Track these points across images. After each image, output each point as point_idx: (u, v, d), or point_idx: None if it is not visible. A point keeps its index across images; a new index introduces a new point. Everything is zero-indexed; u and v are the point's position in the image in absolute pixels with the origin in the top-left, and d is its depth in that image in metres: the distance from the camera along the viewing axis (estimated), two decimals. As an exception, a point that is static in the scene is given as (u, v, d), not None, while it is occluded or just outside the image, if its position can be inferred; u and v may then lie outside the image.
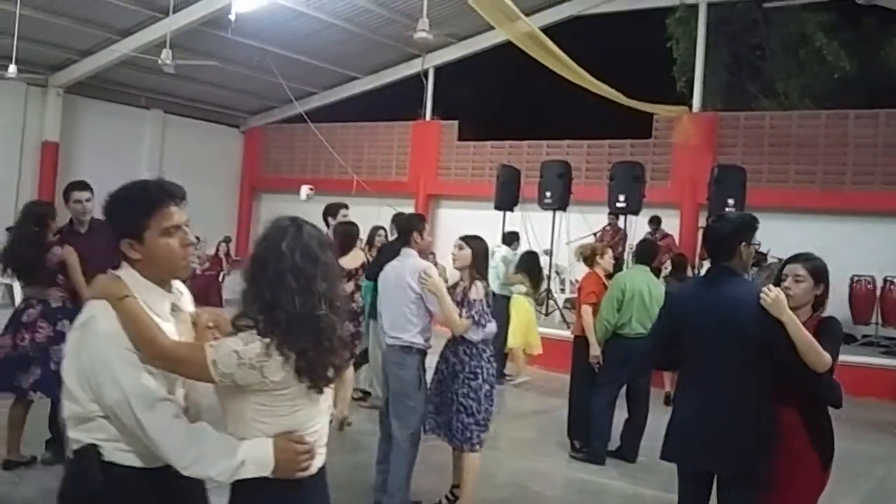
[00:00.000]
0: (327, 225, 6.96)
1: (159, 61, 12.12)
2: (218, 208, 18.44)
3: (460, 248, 4.85)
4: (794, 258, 3.55)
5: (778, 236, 11.85)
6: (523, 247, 11.22)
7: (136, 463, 2.11)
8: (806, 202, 12.93)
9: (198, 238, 13.42)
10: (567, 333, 9.17)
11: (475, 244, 4.86)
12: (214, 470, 2.06)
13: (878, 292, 11.69)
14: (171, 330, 2.16)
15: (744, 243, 3.49)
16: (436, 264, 6.98)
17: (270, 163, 19.36)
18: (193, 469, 2.06)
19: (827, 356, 3.22)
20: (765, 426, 3.39)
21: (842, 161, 12.88)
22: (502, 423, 8.15)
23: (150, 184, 2.20)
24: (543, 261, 11.65)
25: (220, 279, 15.11)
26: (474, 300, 4.68)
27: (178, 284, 2.30)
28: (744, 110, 14.31)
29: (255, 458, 2.08)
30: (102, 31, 14.10)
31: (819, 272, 3.46)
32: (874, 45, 13.36)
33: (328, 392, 2.23)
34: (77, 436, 2.12)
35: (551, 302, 12.39)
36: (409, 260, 4.89)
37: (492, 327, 4.75)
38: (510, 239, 10.55)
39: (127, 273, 2.15)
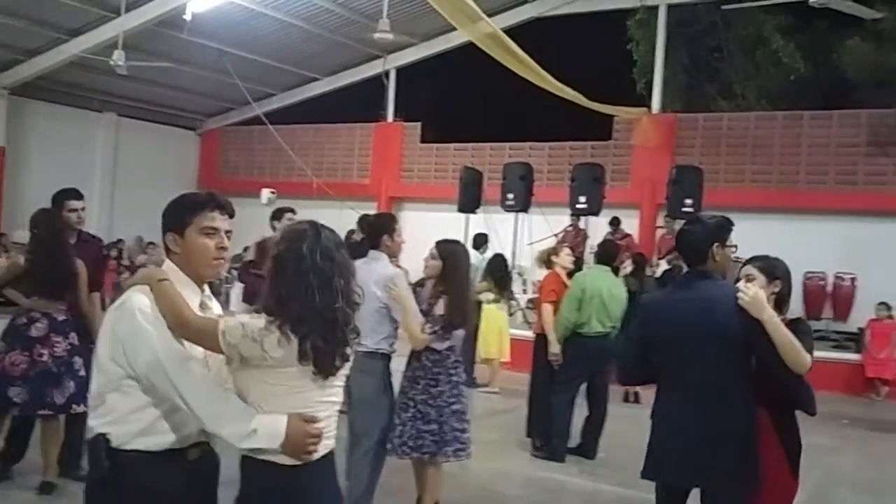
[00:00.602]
0: (273, 229, 6.72)
1: (111, 62, 11.90)
2: (175, 213, 18.18)
3: (433, 257, 4.65)
4: (749, 260, 3.50)
5: (735, 235, 12.03)
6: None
7: (141, 446, 2.28)
8: (761, 201, 13.14)
9: (153, 243, 13.32)
10: (530, 334, 9.18)
11: (448, 252, 4.64)
12: (226, 430, 2.25)
13: (830, 288, 11.96)
14: None
15: (716, 245, 3.36)
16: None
17: (228, 166, 19.07)
18: (209, 424, 2.27)
19: (807, 356, 3.13)
20: (749, 431, 3.27)
21: (796, 161, 13.14)
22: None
23: (204, 193, 2.52)
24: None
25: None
26: (438, 316, 4.51)
27: (208, 291, 2.53)
28: (702, 111, 14.51)
29: (268, 429, 2.23)
30: (50, 31, 13.79)
31: (772, 270, 3.39)
32: (827, 47, 13.62)
33: (338, 385, 2.38)
34: (91, 423, 2.34)
35: (513, 303, 12.41)
36: (375, 264, 4.63)
37: (458, 334, 4.61)
38: (479, 242, 10.47)
39: (168, 266, 2.43)
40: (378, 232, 4.81)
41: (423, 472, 4.76)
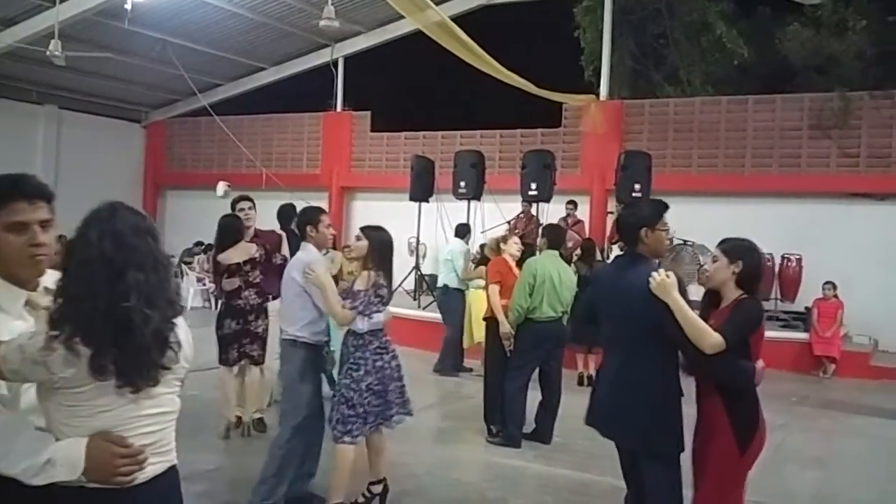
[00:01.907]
0: None
1: (48, 53, 11.53)
2: (121, 207, 17.81)
3: (358, 238, 4.82)
4: (718, 243, 3.68)
5: (682, 219, 12.20)
6: (435, 237, 11.26)
7: None
8: (708, 185, 13.36)
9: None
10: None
11: (373, 235, 4.76)
12: (18, 468, 1.90)
13: (777, 269, 12.19)
14: (22, 327, 2.04)
15: (645, 228, 3.63)
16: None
17: (175, 158, 18.75)
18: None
19: (714, 338, 3.28)
20: (666, 404, 3.53)
21: (741, 145, 13.36)
22: (420, 411, 8.15)
23: (7, 178, 2.10)
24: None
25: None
26: (358, 290, 4.62)
27: (47, 281, 2.15)
28: (649, 98, 14.65)
29: (65, 457, 1.91)
30: (-19, 20, 13.28)
31: (734, 250, 3.54)
32: (769, 33, 13.84)
33: (165, 392, 2.04)
34: None
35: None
36: (301, 254, 4.91)
37: (378, 317, 4.65)
38: (462, 232, 10.49)
39: None
40: (302, 223, 4.97)
41: (376, 452, 4.85)
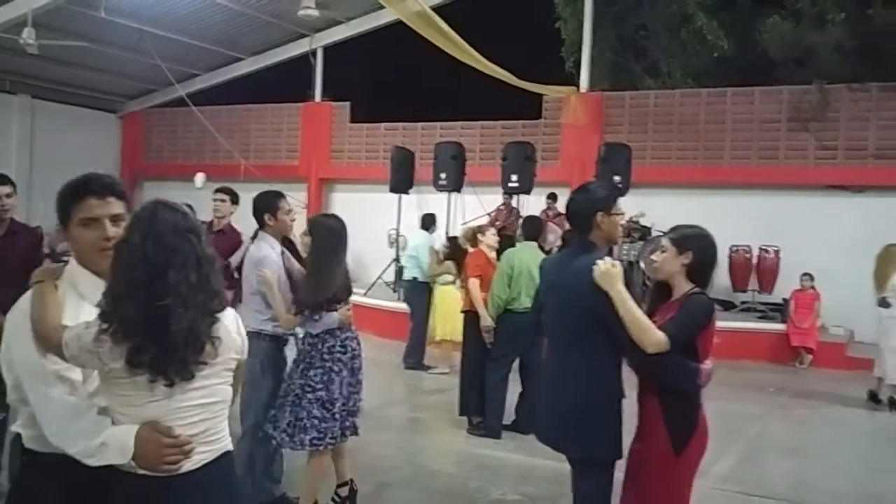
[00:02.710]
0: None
1: (21, 41, 11.34)
2: (97, 199, 17.61)
3: (304, 233, 4.52)
4: (668, 231, 3.48)
5: (662, 211, 12.29)
6: (415, 228, 11.18)
7: (47, 449, 2.14)
8: (688, 177, 13.41)
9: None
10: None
11: (317, 228, 4.43)
12: (74, 448, 2.07)
13: (755, 261, 12.28)
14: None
15: (600, 213, 3.36)
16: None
17: (152, 149, 18.54)
18: (56, 441, 2.10)
19: (657, 337, 3.07)
20: (603, 408, 3.31)
21: (720, 137, 13.42)
22: (398, 403, 8.14)
23: (80, 177, 2.30)
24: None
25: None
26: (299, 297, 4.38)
27: None
28: (629, 90, 14.67)
29: (117, 442, 2.04)
30: (-50, 7, 13.01)
31: (683, 241, 3.28)
32: (749, 25, 13.88)
33: (204, 385, 2.12)
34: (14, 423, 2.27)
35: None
36: (256, 245, 4.58)
37: (332, 317, 4.33)
38: (427, 223, 10.24)
39: (71, 259, 2.29)
40: (259, 210, 4.57)
41: (339, 454, 4.57)
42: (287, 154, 16.97)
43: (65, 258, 2.45)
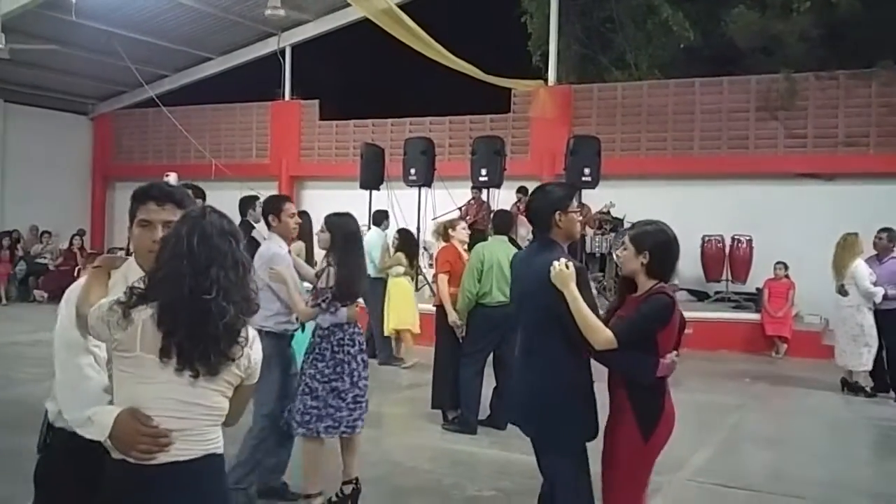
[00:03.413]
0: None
1: (-10, 46, 11.24)
2: (69, 200, 17.57)
3: (322, 230, 4.71)
4: (630, 227, 3.61)
5: (633, 202, 12.36)
6: (392, 225, 11.12)
7: (69, 427, 2.31)
8: (658, 168, 13.46)
9: (48, 233, 12.86)
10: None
11: (336, 224, 4.66)
12: (69, 414, 2.30)
13: (727, 251, 12.33)
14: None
15: (558, 212, 3.49)
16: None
17: (123, 150, 18.41)
18: (60, 405, 2.35)
19: (604, 335, 3.21)
20: (570, 394, 3.41)
21: (690, 128, 13.47)
22: (373, 400, 8.06)
23: (147, 183, 2.54)
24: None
25: (75, 274, 14.24)
26: (322, 288, 4.56)
27: None
28: (597, 82, 14.68)
29: (100, 419, 2.17)
30: (-81, 13, 12.87)
31: (640, 239, 3.36)
32: (715, 15, 13.92)
33: (215, 388, 2.21)
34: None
35: (421, 277, 12.37)
36: (265, 245, 4.80)
37: (343, 312, 4.56)
38: (379, 219, 10.36)
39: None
40: (264, 213, 4.88)
41: (348, 449, 4.73)
42: (257, 153, 16.87)
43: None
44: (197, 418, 2.20)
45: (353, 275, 4.58)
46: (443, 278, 6.75)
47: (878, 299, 8.15)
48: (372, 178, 12.62)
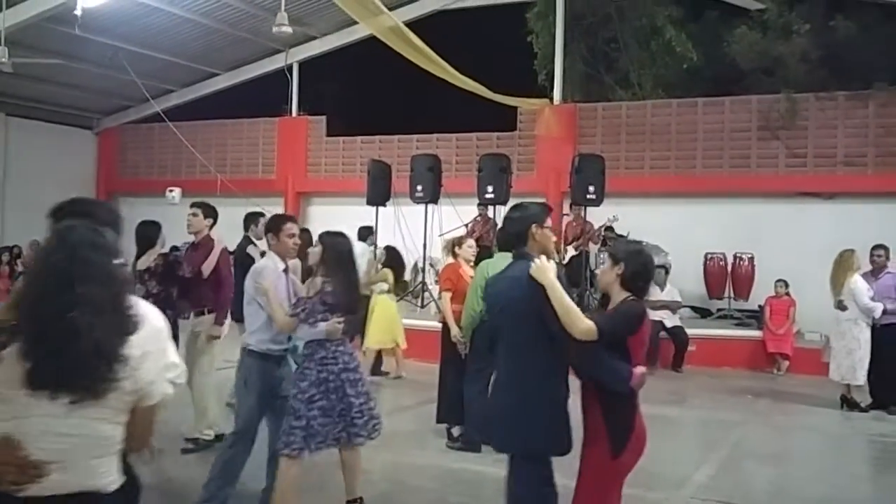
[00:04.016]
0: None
1: (-6, 59, 11.31)
2: (73, 215, 17.46)
3: (314, 244, 4.79)
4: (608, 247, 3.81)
5: (637, 220, 12.49)
6: (394, 241, 11.24)
7: None
8: (661, 187, 13.58)
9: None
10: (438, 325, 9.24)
11: (329, 242, 4.70)
12: None
13: (730, 268, 12.42)
14: None
15: (534, 226, 3.67)
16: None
17: (128, 165, 18.48)
18: None
19: (586, 324, 3.28)
20: (546, 407, 3.49)
21: (692, 147, 13.60)
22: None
23: (72, 198, 2.53)
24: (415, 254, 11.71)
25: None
26: (302, 297, 4.59)
27: None
28: (601, 101, 14.82)
29: None
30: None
31: (617, 253, 3.56)
32: (717, 36, 14.10)
33: (91, 419, 2.05)
34: None
35: (426, 294, 12.47)
36: (261, 261, 4.90)
37: (320, 328, 4.50)
38: (364, 234, 10.41)
39: None
40: (266, 231, 4.97)
41: (350, 464, 4.74)
42: (264, 168, 16.97)
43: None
44: (75, 449, 2.05)
45: (342, 286, 4.55)
46: (445, 296, 6.81)
47: (878, 314, 8.28)
48: (378, 195, 12.73)
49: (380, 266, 9.79)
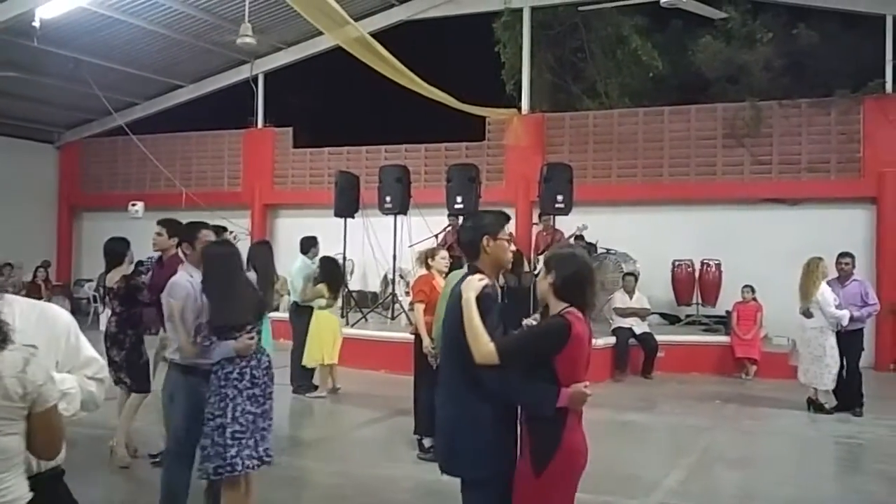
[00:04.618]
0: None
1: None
2: (34, 231, 17.19)
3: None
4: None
5: (605, 228, 12.56)
6: (364, 252, 11.16)
7: None
8: (629, 195, 13.67)
9: (10, 265, 12.54)
10: (406, 336, 9.14)
11: (207, 252, 4.48)
12: None
13: (697, 275, 12.52)
14: None
15: (486, 237, 3.40)
16: None
17: (91, 179, 18.21)
18: None
19: (486, 348, 3.08)
20: (474, 423, 3.24)
21: (659, 155, 13.71)
22: (348, 431, 8.06)
23: None
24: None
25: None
26: (201, 324, 4.36)
27: None
28: (569, 111, 14.89)
29: None
30: None
31: (550, 262, 3.34)
32: (682, 45, 14.26)
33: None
34: None
35: (397, 306, 12.40)
36: (178, 274, 4.63)
37: (223, 348, 4.27)
38: (306, 247, 9.88)
39: None
40: (179, 243, 4.74)
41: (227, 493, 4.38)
42: (230, 181, 16.82)
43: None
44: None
45: (221, 306, 4.28)
46: (418, 307, 6.78)
47: (845, 322, 8.41)
48: (347, 206, 12.63)
49: (312, 283, 9.26)
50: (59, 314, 2.23)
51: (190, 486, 4.63)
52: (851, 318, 8.43)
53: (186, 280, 4.53)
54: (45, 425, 2.09)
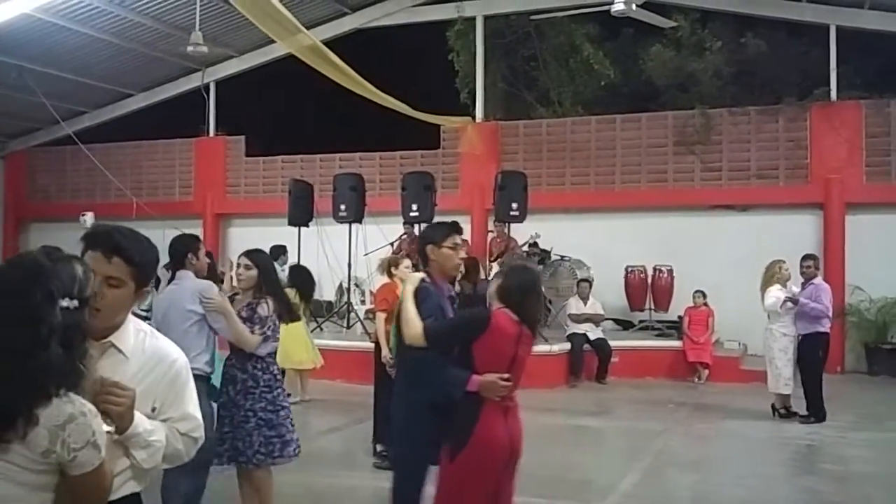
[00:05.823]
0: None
1: None
2: (-21, 242, 16.71)
3: (247, 267, 4.73)
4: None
5: (559, 235, 12.67)
6: (318, 261, 11.07)
7: None
8: (582, 202, 13.81)
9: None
10: (369, 345, 9.09)
11: (261, 261, 4.81)
12: None
13: (650, 280, 12.67)
14: None
15: (431, 246, 3.80)
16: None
17: (38, 190, 17.77)
18: None
19: (416, 329, 3.40)
20: (403, 409, 3.69)
21: (611, 163, 13.88)
22: (305, 441, 7.96)
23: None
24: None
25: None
26: (265, 317, 4.62)
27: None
28: (523, 119, 14.99)
29: None
30: None
31: (502, 267, 3.82)
32: (634, 54, 14.45)
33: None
34: None
35: (352, 315, 12.34)
36: (185, 282, 4.70)
37: (276, 342, 4.75)
38: (276, 254, 10.02)
39: None
40: (181, 252, 4.81)
41: (250, 486, 4.76)
42: (181, 191, 16.58)
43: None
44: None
45: (287, 299, 4.90)
46: (380, 316, 6.78)
47: (777, 308, 8.38)
48: (301, 215, 12.55)
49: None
50: (175, 355, 2.09)
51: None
52: (793, 303, 8.34)
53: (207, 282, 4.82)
54: (80, 488, 1.87)
